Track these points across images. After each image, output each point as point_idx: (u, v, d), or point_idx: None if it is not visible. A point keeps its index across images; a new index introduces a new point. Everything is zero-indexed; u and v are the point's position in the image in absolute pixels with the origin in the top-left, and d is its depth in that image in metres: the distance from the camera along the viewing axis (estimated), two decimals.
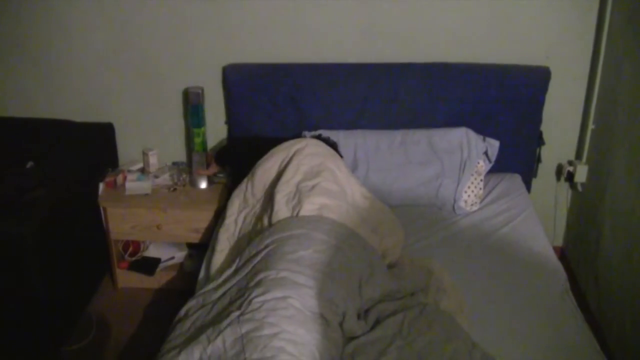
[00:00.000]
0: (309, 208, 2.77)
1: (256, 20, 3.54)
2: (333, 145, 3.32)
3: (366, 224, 2.87)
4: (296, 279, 2.27)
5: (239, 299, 2.25)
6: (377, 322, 2.35)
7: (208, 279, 2.75)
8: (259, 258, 2.49)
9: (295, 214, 2.77)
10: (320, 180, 2.93)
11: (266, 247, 2.54)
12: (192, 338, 2.15)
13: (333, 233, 2.59)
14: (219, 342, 2.05)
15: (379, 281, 2.50)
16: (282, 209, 2.82)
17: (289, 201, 2.85)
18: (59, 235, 3.24)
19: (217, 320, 2.18)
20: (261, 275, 2.32)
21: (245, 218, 3.01)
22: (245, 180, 3.12)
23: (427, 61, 3.49)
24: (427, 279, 2.64)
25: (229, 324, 2.10)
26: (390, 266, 2.77)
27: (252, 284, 2.31)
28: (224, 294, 2.41)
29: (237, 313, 2.15)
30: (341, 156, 3.30)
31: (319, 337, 2.09)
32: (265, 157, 3.13)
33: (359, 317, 2.39)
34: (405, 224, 3.11)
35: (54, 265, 3.17)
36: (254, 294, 2.21)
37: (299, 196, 2.85)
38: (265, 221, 2.85)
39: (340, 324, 2.25)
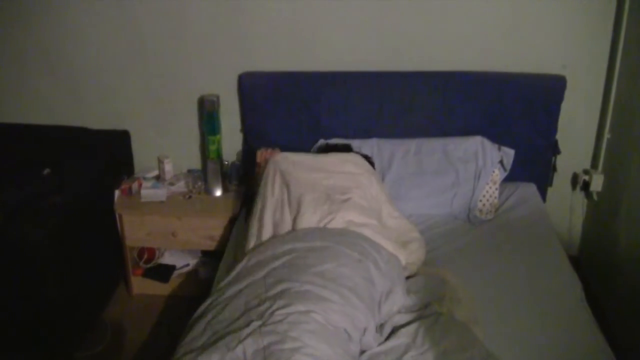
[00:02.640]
0: (337, 221, 2.77)
1: (272, 29, 3.56)
2: (372, 164, 3.33)
3: (392, 241, 2.85)
4: (320, 292, 2.26)
5: (258, 306, 2.23)
6: (392, 332, 2.35)
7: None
8: (278, 263, 2.47)
9: (323, 225, 2.76)
10: (352, 196, 2.93)
11: (286, 253, 2.53)
12: (209, 343, 2.14)
13: (357, 247, 2.57)
14: (238, 351, 2.03)
15: (398, 297, 2.49)
16: (308, 212, 2.80)
17: (317, 206, 2.83)
18: (74, 242, 3.25)
19: (236, 327, 2.16)
20: (284, 286, 2.30)
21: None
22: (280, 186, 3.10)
23: (442, 69, 3.49)
24: (441, 289, 2.63)
25: (249, 334, 2.08)
26: (407, 278, 2.76)
27: (272, 292, 2.29)
28: (238, 291, 2.38)
29: (258, 323, 2.13)
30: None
31: (341, 352, 2.09)
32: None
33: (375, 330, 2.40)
34: (420, 233, 3.09)
35: (69, 271, 3.19)
36: (276, 306, 2.20)
37: (329, 206, 2.84)
38: (288, 218, 2.84)
39: (361, 338, 2.25)
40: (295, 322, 2.11)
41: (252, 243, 2.82)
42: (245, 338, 2.07)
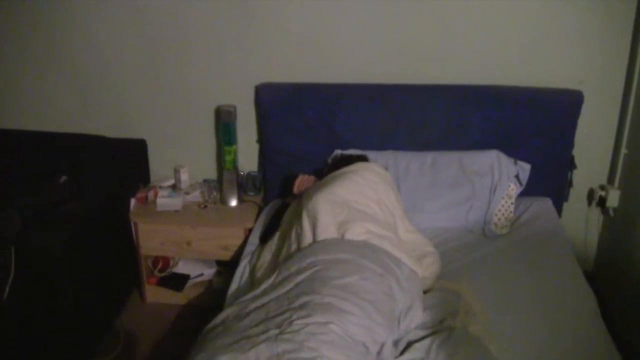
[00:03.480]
0: (356, 232, 2.76)
1: (289, 40, 3.57)
2: None
3: (409, 255, 2.85)
4: (341, 305, 2.26)
5: (278, 316, 2.23)
6: (406, 347, 2.34)
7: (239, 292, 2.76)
8: (302, 277, 2.47)
9: (341, 234, 2.76)
10: (371, 207, 2.95)
11: (310, 267, 2.53)
12: (222, 345, 2.15)
13: (379, 261, 2.57)
14: (251, 354, 2.04)
15: (417, 313, 2.48)
16: (327, 221, 2.80)
17: (336, 215, 2.84)
18: (89, 249, 3.27)
19: (252, 333, 2.16)
20: (306, 299, 2.30)
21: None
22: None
23: (460, 83, 3.49)
24: (456, 303, 2.63)
25: (264, 340, 2.09)
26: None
27: (294, 305, 2.29)
28: (261, 306, 2.38)
29: (275, 331, 2.14)
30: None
31: None
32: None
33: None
34: (435, 247, 3.09)
35: (83, 279, 3.20)
36: (295, 316, 2.20)
37: (346, 214, 2.84)
38: (307, 226, 2.84)
39: (378, 353, 2.24)
40: (314, 333, 2.11)
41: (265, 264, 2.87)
42: (259, 343, 2.08)
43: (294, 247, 2.83)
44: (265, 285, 2.55)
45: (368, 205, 2.97)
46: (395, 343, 2.36)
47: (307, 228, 2.83)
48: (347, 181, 3.05)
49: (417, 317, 2.48)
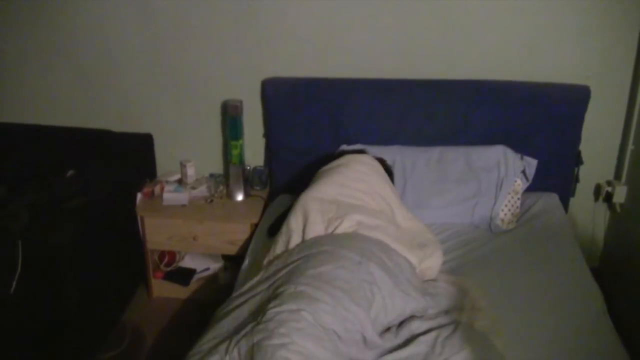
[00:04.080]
0: (346, 225, 2.77)
1: (295, 35, 3.57)
2: (390, 173, 3.33)
3: (406, 243, 2.86)
4: (314, 294, 2.26)
5: (257, 312, 2.26)
6: (411, 339, 2.34)
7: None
8: (283, 272, 2.50)
9: (332, 230, 2.77)
10: (362, 199, 2.97)
11: (293, 262, 2.55)
12: (211, 348, 2.18)
13: (359, 250, 2.56)
14: (235, 353, 2.08)
15: (411, 299, 2.48)
16: (316, 219, 2.82)
17: (325, 213, 2.85)
18: (96, 244, 3.28)
19: (234, 332, 2.20)
20: (280, 289, 2.33)
21: None
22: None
23: (466, 78, 3.49)
24: (462, 298, 2.63)
25: (244, 335, 2.13)
26: (425, 282, 2.76)
27: (272, 297, 2.32)
28: (244, 302, 2.42)
29: (253, 324, 2.17)
30: (392, 181, 3.31)
31: (327, 353, 2.09)
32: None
33: (388, 330, 2.39)
34: (441, 242, 3.09)
35: (90, 273, 3.21)
36: (269, 306, 2.22)
37: (336, 209, 2.86)
38: (295, 226, 2.85)
39: (365, 340, 2.25)
40: (285, 320, 2.13)
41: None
42: (240, 339, 2.12)
43: (280, 248, 2.84)
44: (251, 283, 2.58)
45: (359, 197, 2.99)
46: (397, 329, 2.38)
47: (294, 228, 2.85)
48: (336, 176, 3.08)
49: (411, 303, 2.47)
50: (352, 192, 3.00)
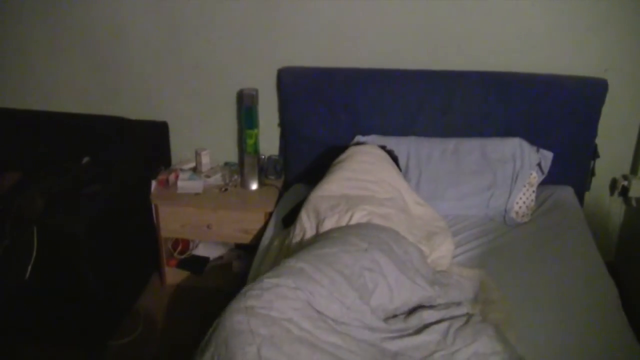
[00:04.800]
0: (358, 217, 2.78)
1: (312, 25, 3.56)
2: (395, 159, 3.33)
3: (417, 230, 2.86)
4: (312, 274, 2.26)
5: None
6: (423, 327, 2.34)
7: None
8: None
9: (345, 223, 2.78)
10: (370, 188, 2.98)
11: (302, 248, 2.57)
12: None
13: (367, 237, 2.57)
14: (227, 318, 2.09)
15: (418, 287, 2.48)
16: (328, 216, 2.83)
17: (334, 207, 2.86)
18: (111, 231, 3.29)
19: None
20: (281, 263, 2.34)
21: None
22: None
23: (483, 70, 3.47)
24: (475, 289, 2.63)
25: (231, 303, 2.14)
26: (438, 273, 2.75)
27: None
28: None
29: (244, 288, 2.18)
30: (400, 170, 3.31)
31: (325, 332, 2.09)
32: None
33: (395, 316, 2.40)
34: (455, 234, 3.09)
35: (105, 261, 3.23)
36: (265, 276, 2.23)
37: (345, 203, 2.87)
38: (308, 225, 2.87)
39: (364, 325, 2.25)
40: (283, 296, 2.14)
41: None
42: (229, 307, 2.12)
43: (296, 240, 2.86)
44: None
45: (367, 188, 3.00)
46: (405, 317, 2.38)
47: (307, 227, 2.86)
48: (340, 172, 3.09)
49: (418, 291, 2.48)
50: (360, 184, 3.01)
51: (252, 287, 2.16)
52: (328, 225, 2.79)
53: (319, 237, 2.65)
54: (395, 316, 2.40)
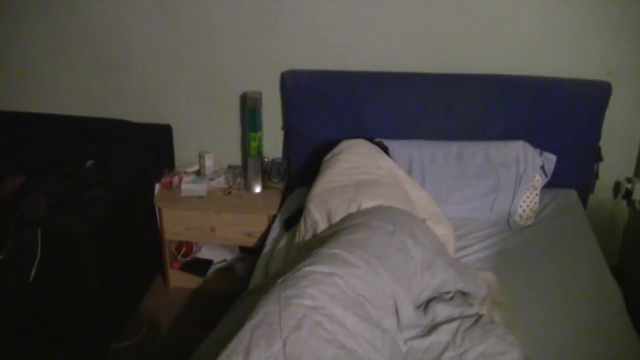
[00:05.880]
0: (368, 202, 2.81)
1: (316, 28, 3.56)
2: (385, 149, 3.34)
3: (419, 215, 2.89)
4: (347, 257, 2.28)
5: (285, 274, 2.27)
6: (434, 327, 2.35)
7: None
8: (316, 245, 2.53)
9: (357, 208, 2.81)
10: (374, 172, 3.05)
11: (326, 237, 2.59)
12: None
13: (391, 220, 2.59)
14: (263, 305, 2.08)
15: (439, 269, 2.51)
16: (339, 202, 2.86)
17: (344, 194, 2.89)
18: (115, 234, 3.30)
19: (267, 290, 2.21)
20: (313, 252, 2.35)
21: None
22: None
23: (486, 73, 3.47)
24: (484, 290, 2.64)
25: (270, 290, 2.14)
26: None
27: (303, 258, 2.34)
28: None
29: (282, 279, 2.18)
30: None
31: (356, 319, 2.10)
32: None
33: (418, 308, 2.41)
34: (459, 238, 3.10)
35: (108, 263, 3.23)
36: (302, 264, 2.24)
37: (354, 189, 2.91)
38: (319, 217, 2.88)
39: (397, 311, 2.26)
40: (317, 282, 2.14)
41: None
42: (268, 293, 2.13)
43: (308, 235, 2.86)
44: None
45: (372, 172, 3.04)
46: (424, 311, 2.41)
47: (319, 219, 2.87)
48: (339, 164, 3.15)
49: (439, 273, 2.50)
50: (363, 170, 3.05)
51: (289, 278, 2.17)
52: (340, 213, 2.80)
53: (340, 226, 2.66)
54: (418, 307, 2.42)
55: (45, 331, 3.25)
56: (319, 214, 2.87)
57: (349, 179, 3.01)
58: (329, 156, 3.26)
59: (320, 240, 2.60)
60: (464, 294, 2.61)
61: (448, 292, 2.57)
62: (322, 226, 2.83)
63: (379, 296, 2.23)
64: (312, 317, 2.01)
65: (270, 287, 2.17)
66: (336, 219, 2.80)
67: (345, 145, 3.27)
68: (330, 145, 3.45)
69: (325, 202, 2.89)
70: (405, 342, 2.26)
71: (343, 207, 2.82)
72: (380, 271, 2.28)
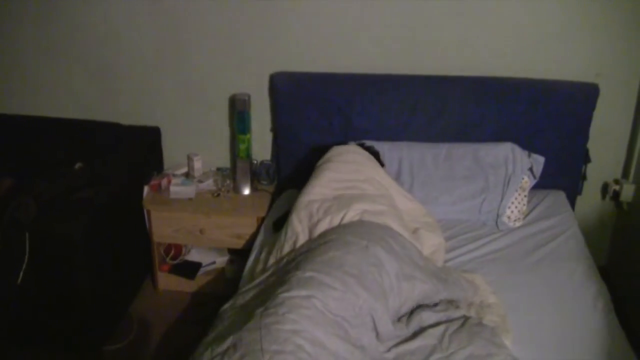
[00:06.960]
0: (351, 215, 2.80)
1: (305, 29, 3.56)
2: (375, 154, 3.33)
3: (409, 227, 2.88)
4: (323, 279, 2.27)
5: (264, 302, 2.25)
6: (420, 331, 2.35)
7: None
8: (292, 265, 2.52)
9: (338, 222, 2.78)
10: (361, 187, 3.00)
11: (301, 254, 2.58)
12: (220, 336, 2.18)
13: (365, 235, 2.58)
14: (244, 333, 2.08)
15: (418, 282, 2.50)
16: (321, 218, 2.84)
17: (328, 209, 2.87)
18: (104, 236, 3.29)
19: (244, 320, 2.19)
20: (289, 276, 2.34)
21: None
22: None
23: (475, 74, 3.48)
24: (471, 292, 2.64)
25: (251, 319, 2.13)
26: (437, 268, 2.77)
27: (280, 283, 2.33)
28: (254, 296, 2.46)
29: (261, 309, 2.17)
30: (382, 165, 3.31)
31: (337, 341, 2.10)
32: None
33: (399, 320, 2.40)
34: (448, 239, 3.10)
35: (97, 265, 3.23)
36: (279, 291, 2.23)
37: (338, 203, 2.88)
38: (299, 228, 2.87)
39: (375, 328, 2.26)
40: (296, 306, 2.14)
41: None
42: (248, 324, 2.11)
43: (287, 246, 2.85)
44: (261, 278, 2.62)
45: (358, 187, 3.01)
46: (407, 319, 2.40)
47: (299, 230, 2.87)
48: (328, 172, 3.11)
49: (419, 285, 2.49)
50: (349, 184, 3.03)
51: (268, 307, 2.16)
52: (322, 227, 2.79)
53: (315, 242, 2.65)
54: (399, 319, 2.43)
55: (36, 333, 3.24)
56: (300, 226, 2.87)
57: (337, 192, 2.99)
58: (319, 162, 3.24)
59: (297, 257, 2.59)
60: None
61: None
62: (302, 239, 2.82)
63: (356, 314, 2.23)
64: (294, 340, 2.01)
65: (249, 317, 2.16)
66: (316, 233, 2.79)
67: (335, 152, 3.24)
68: (319, 147, 3.45)
69: (309, 216, 2.87)
70: (389, 349, 2.27)
71: (325, 221, 2.81)
72: (357, 290, 2.28)
